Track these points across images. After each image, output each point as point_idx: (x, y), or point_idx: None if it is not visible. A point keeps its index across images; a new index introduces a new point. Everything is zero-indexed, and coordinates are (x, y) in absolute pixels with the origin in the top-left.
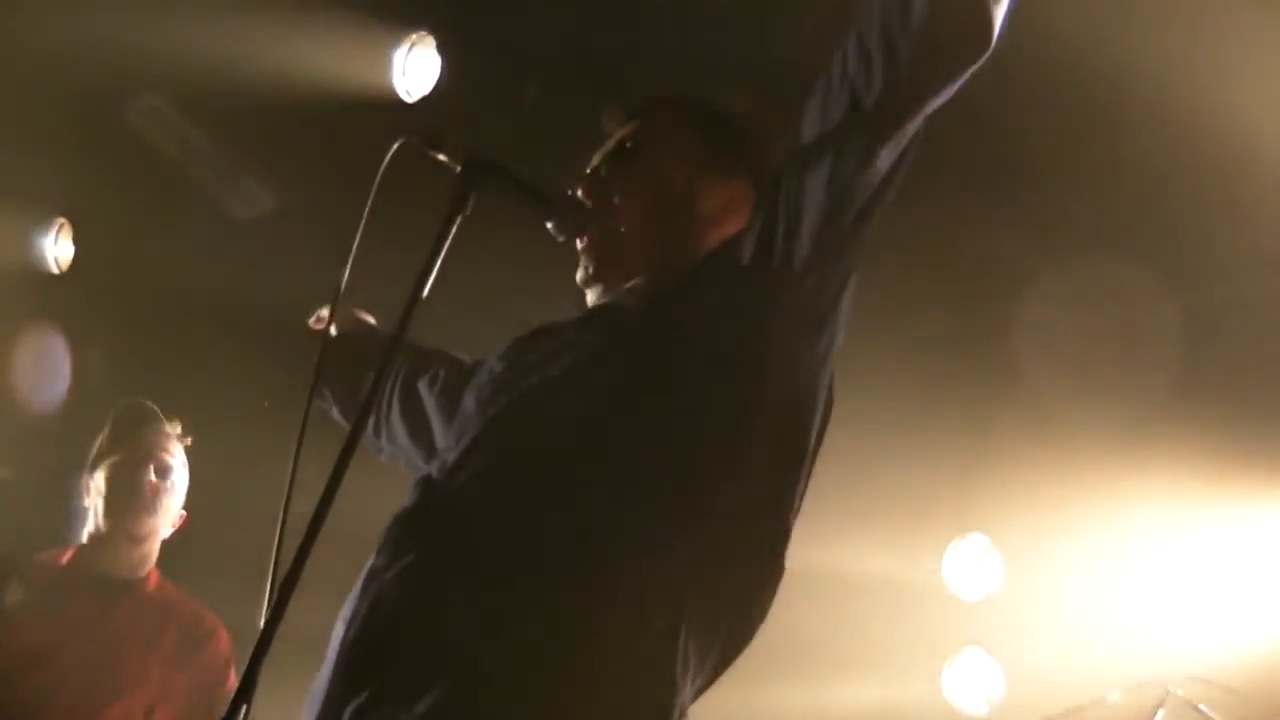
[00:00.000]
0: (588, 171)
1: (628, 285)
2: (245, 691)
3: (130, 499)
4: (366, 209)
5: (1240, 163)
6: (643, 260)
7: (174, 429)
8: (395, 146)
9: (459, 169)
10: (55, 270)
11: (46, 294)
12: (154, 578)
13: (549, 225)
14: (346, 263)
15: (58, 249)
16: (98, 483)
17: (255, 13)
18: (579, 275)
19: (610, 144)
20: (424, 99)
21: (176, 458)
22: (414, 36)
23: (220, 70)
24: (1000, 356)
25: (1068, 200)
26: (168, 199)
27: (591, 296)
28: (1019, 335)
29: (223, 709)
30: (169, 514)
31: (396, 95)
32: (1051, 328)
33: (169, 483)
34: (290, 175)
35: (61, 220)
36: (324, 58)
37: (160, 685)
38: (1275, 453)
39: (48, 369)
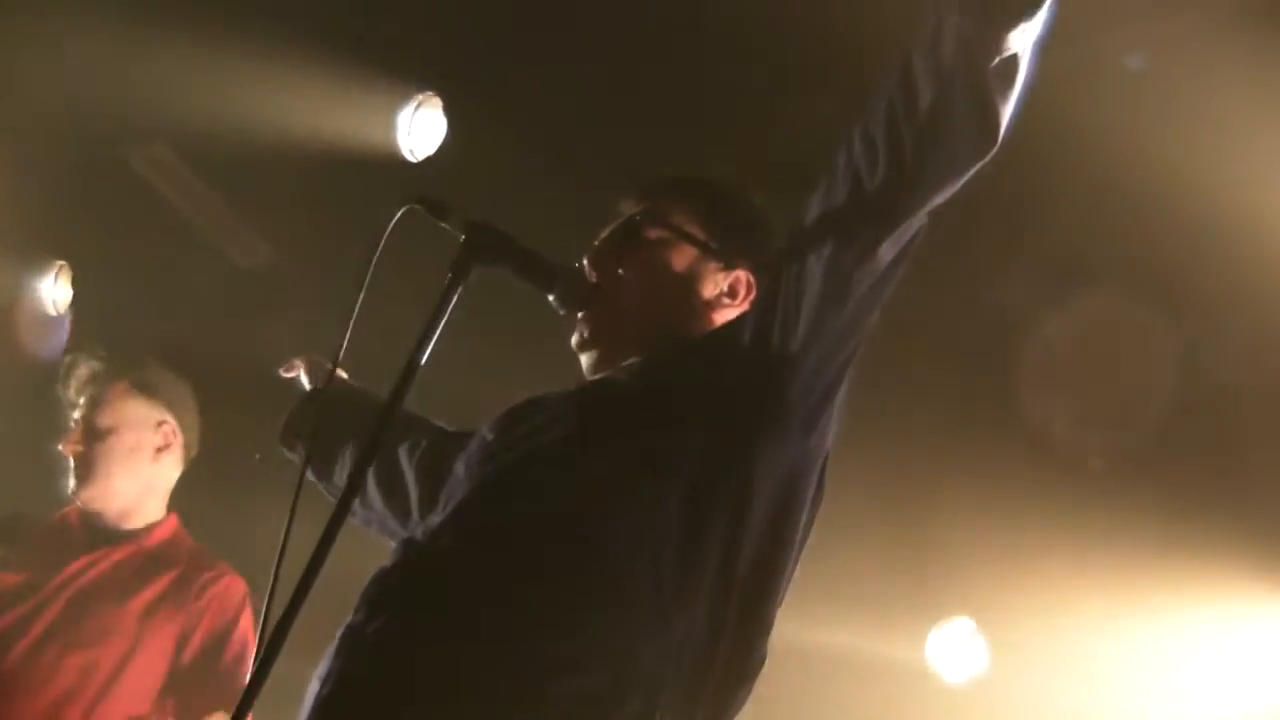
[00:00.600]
0: (594, 246)
1: (624, 364)
2: None
3: (77, 463)
4: (369, 270)
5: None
6: (641, 339)
7: (118, 383)
8: (401, 211)
9: (463, 237)
10: (53, 312)
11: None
12: (159, 530)
13: (551, 298)
14: (348, 322)
15: (56, 291)
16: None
17: (264, 66)
18: (574, 339)
19: (618, 222)
20: (428, 159)
21: (126, 413)
22: (421, 96)
23: (226, 121)
24: (988, 442)
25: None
26: (168, 245)
27: (586, 363)
28: (1008, 423)
29: (234, 655)
30: (126, 475)
31: (401, 154)
32: (1041, 413)
33: (108, 445)
34: (291, 228)
35: (61, 263)
36: (330, 113)
37: (138, 635)
38: (1267, 548)
39: (47, 325)
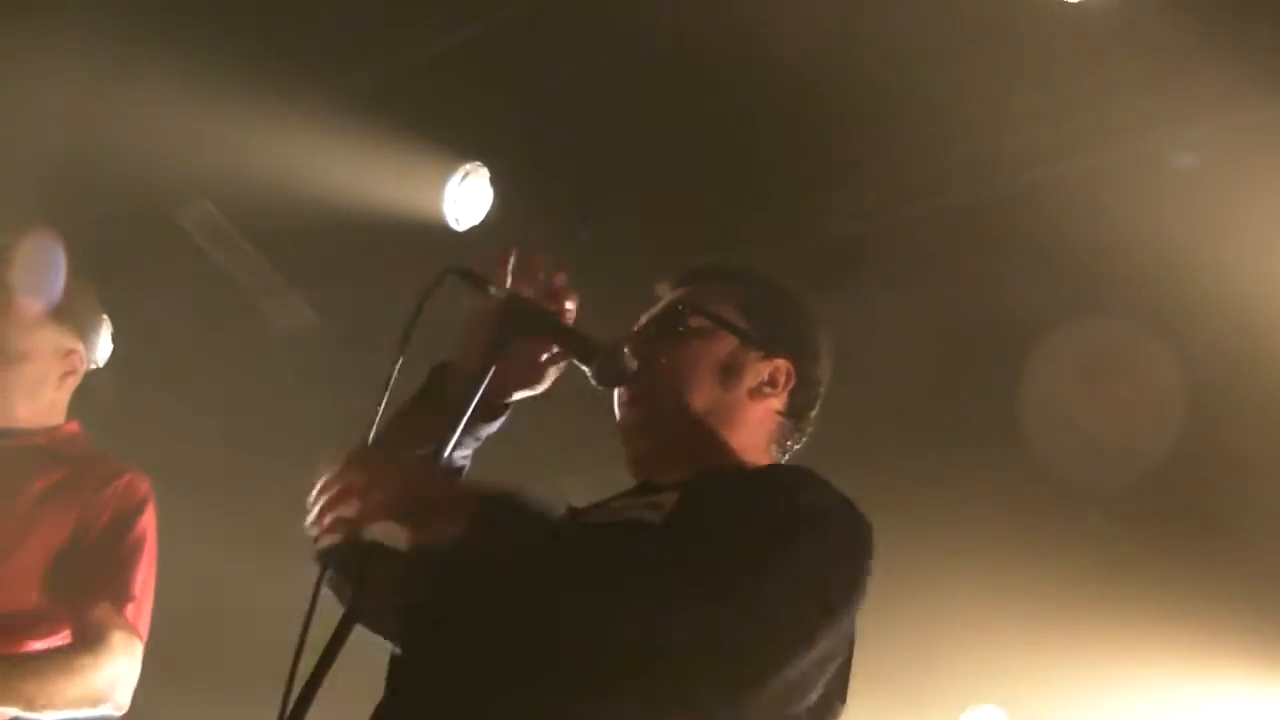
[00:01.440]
0: (635, 331)
1: (660, 493)
2: None
3: None
4: (405, 338)
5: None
6: (681, 432)
7: (31, 303)
8: (441, 275)
9: (503, 307)
10: (94, 366)
11: (83, 390)
12: (59, 431)
13: (589, 371)
14: (384, 393)
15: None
16: None
17: (315, 132)
18: (617, 420)
19: (659, 307)
20: (473, 228)
21: (38, 341)
22: (468, 166)
23: (275, 184)
24: (1015, 527)
25: None
26: (211, 304)
27: (626, 454)
28: (1038, 507)
29: (130, 546)
30: (15, 384)
31: (446, 223)
32: (1075, 496)
33: (15, 372)
34: (335, 293)
35: (103, 316)
36: (378, 181)
37: (25, 525)
38: None
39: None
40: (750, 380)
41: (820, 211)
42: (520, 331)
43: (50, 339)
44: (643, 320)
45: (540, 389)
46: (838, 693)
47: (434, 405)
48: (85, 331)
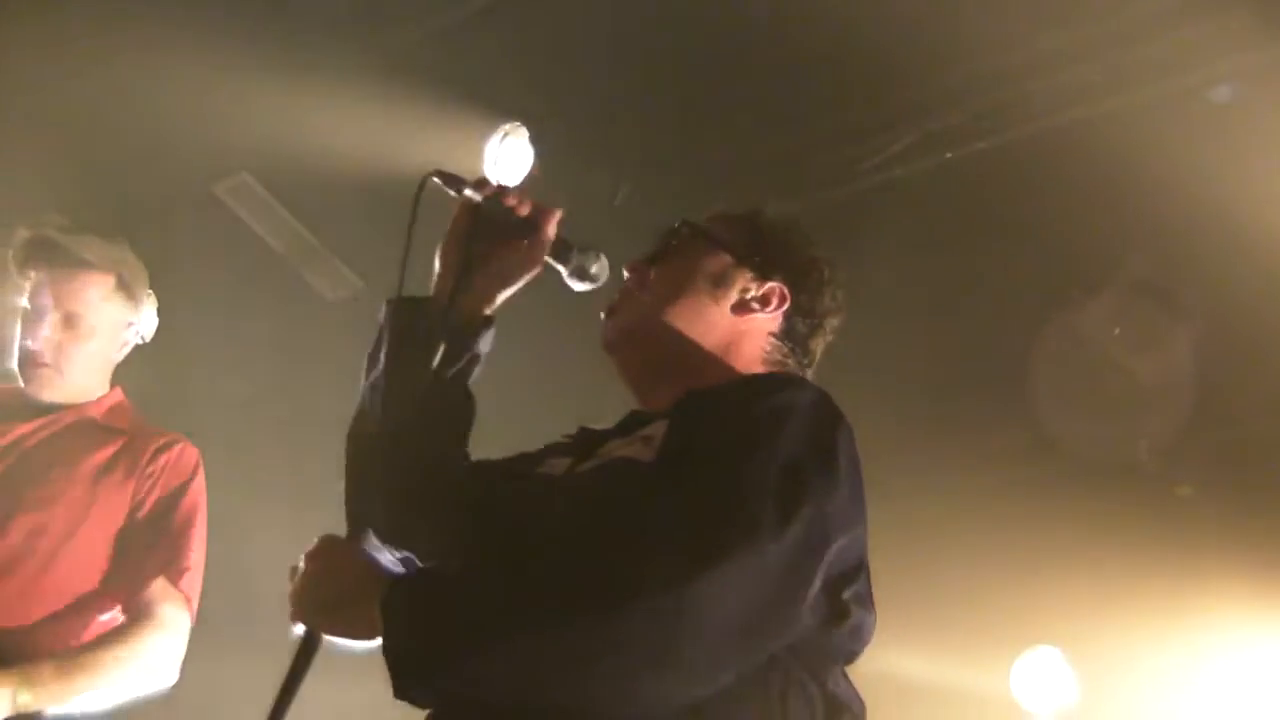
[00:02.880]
0: (634, 259)
1: (648, 429)
2: None
3: (47, 358)
4: (406, 243)
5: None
6: (665, 343)
7: (96, 273)
8: (425, 179)
9: (481, 201)
10: (140, 341)
11: (128, 363)
12: (106, 400)
13: (564, 271)
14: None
15: (143, 323)
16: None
17: (353, 98)
18: (603, 337)
19: (659, 240)
20: (515, 189)
21: (107, 314)
22: (507, 127)
23: (313, 153)
24: (1074, 468)
25: None
26: (255, 275)
27: (618, 366)
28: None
29: (183, 519)
30: (81, 358)
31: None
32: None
33: (82, 346)
34: (378, 259)
35: (148, 292)
36: (418, 144)
37: (86, 503)
38: None
39: None
40: (738, 294)
41: (853, 159)
42: (494, 233)
43: (116, 312)
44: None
45: (518, 286)
46: (850, 593)
47: (409, 342)
48: (140, 305)
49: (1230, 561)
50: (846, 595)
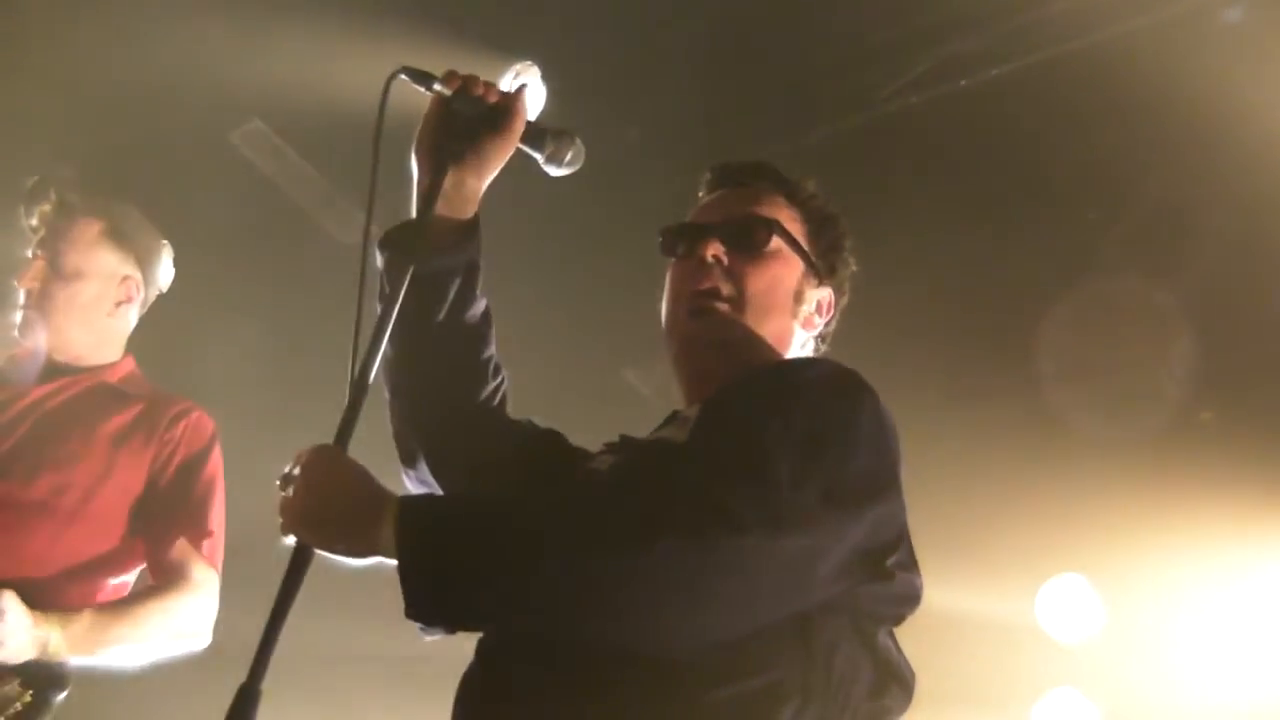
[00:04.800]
0: (712, 231)
1: (685, 414)
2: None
3: (31, 301)
4: (375, 146)
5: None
6: (751, 348)
7: (82, 218)
8: (394, 74)
9: (450, 95)
10: (155, 295)
11: (150, 311)
12: (119, 367)
13: (540, 158)
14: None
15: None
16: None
17: (361, 42)
18: (690, 334)
19: (738, 218)
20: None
21: (94, 260)
22: (519, 66)
23: (325, 96)
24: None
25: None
26: (270, 221)
27: (680, 383)
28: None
29: (205, 485)
30: (65, 302)
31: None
32: (1153, 366)
33: (70, 291)
34: (391, 200)
35: (164, 242)
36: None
37: (106, 464)
38: None
39: None
40: (806, 308)
41: (868, 88)
42: (466, 125)
43: (107, 260)
44: (717, 221)
45: (494, 173)
46: (893, 561)
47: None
48: (142, 258)
49: (1253, 485)
50: (890, 563)
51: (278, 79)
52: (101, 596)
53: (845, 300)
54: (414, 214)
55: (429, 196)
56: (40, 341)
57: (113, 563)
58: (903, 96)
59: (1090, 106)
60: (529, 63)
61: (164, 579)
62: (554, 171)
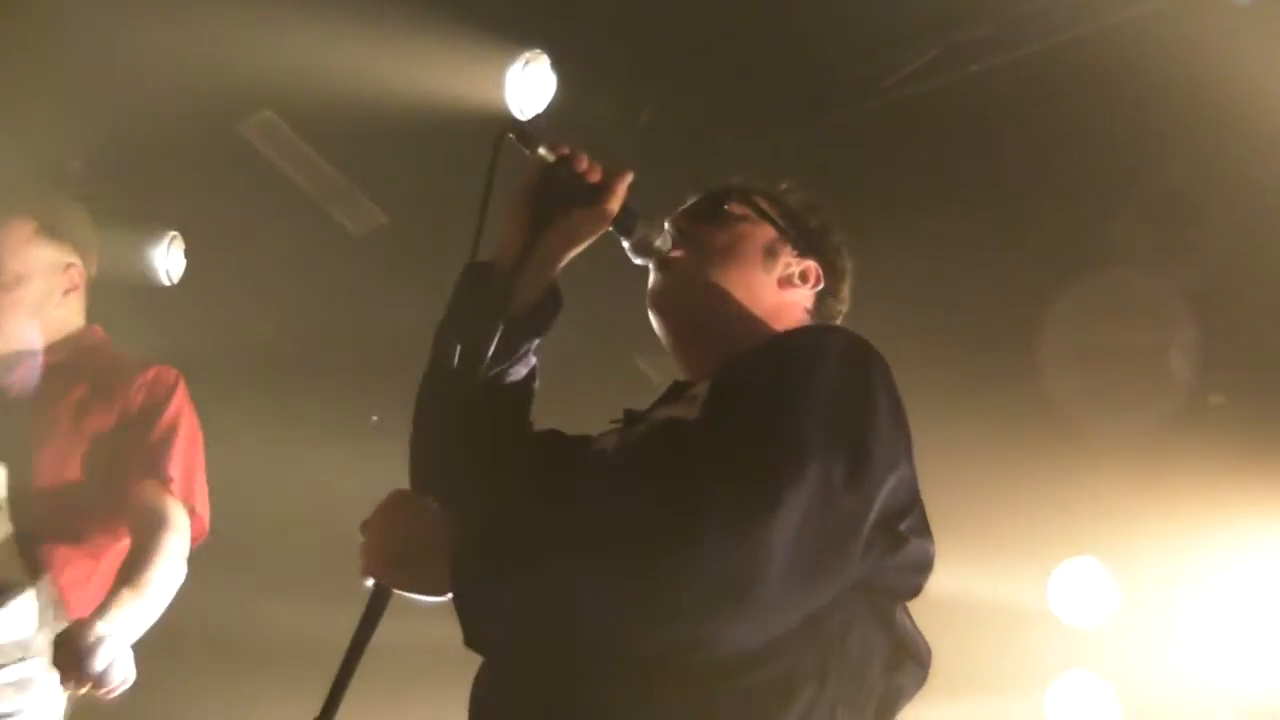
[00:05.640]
0: (680, 212)
1: (693, 392)
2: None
3: None
4: (482, 207)
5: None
6: (713, 314)
7: (23, 225)
8: (502, 134)
9: (553, 161)
10: (166, 282)
11: (157, 306)
12: (77, 343)
13: (627, 245)
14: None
15: (169, 261)
16: None
17: (370, 31)
18: (649, 295)
19: (702, 199)
20: (537, 116)
21: (35, 259)
22: (528, 54)
23: (335, 87)
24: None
25: None
26: (280, 213)
27: (660, 329)
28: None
29: (166, 427)
30: (34, 322)
31: (509, 112)
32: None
33: (15, 295)
34: (402, 191)
35: (174, 233)
36: (438, 74)
37: (72, 433)
38: None
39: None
40: (782, 269)
41: (874, 75)
42: (562, 199)
43: (45, 256)
44: (686, 205)
45: (579, 249)
46: (906, 526)
47: (474, 308)
48: (80, 246)
49: (1263, 468)
50: (903, 528)
51: (287, 69)
52: (93, 542)
53: (844, 286)
54: (481, 257)
55: (521, 257)
56: None
57: (100, 525)
58: (911, 83)
59: (1102, 91)
60: (538, 50)
61: (146, 525)
62: (638, 259)
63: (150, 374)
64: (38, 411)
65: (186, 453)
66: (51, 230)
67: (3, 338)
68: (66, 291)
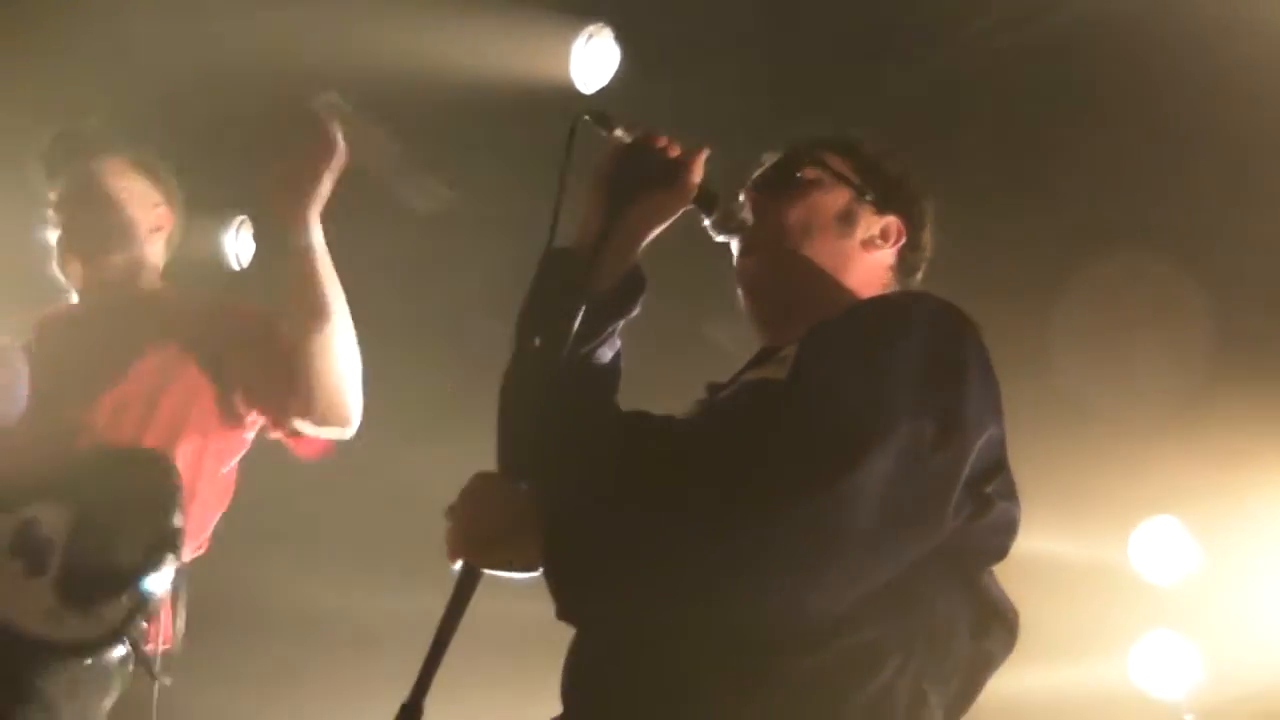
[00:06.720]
0: (752, 181)
1: (782, 354)
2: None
3: (64, 239)
4: (558, 192)
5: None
6: (798, 282)
7: (117, 159)
8: (576, 122)
9: (630, 142)
10: (236, 267)
11: (228, 290)
12: (164, 290)
13: (707, 223)
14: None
15: (239, 245)
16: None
17: (434, 8)
18: (736, 269)
19: (775, 161)
20: (601, 90)
21: (129, 187)
22: (591, 28)
23: (399, 66)
24: (1190, 331)
25: None
26: (346, 195)
27: (746, 303)
28: (1214, 312)
29: (261, 353)
30: (122, 248)
31: (574, 87)
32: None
33: (107, 216)
34: (470, 169)
35: (243, 217)
36: (502, 50)
37: (161, 371)
38: None
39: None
40: (863, 231)
41: (950, 31)
42: (641, 179)
43: (139, 188)
44: (758, 173)
45: (661, 228)
46: (992, 488)
47: (556, 292)
48: (169, 196)
49: None
50: (989, 489)
51: (351, 50)
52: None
53: (924, 233)
54: (557, 238)
55: (602, 239)
56: (76, 275)
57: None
58: (986, 39)
59: (1174, 50)
60: (601, 24)
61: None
62: (719, 236)
63: (241, 308)
64: (112, 346)
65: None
66: (145, 168)
67: (87, 258)
68: (153, 230)
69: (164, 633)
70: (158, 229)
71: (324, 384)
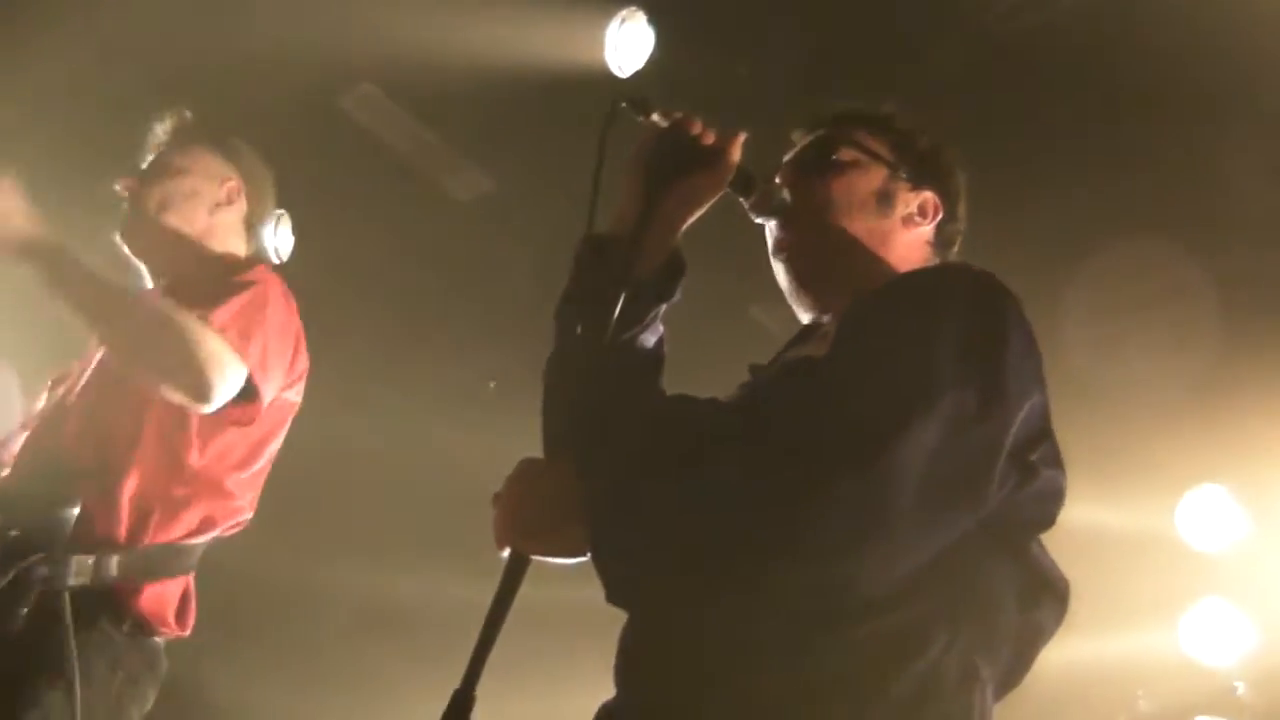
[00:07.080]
0: (787, 163)
1: (824, 322)
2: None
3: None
4: (595, 178)
5: None
6: (837, 261)
7: (209, 141)
8: (615, 105)
9: (667, 127)
10: (276, 260)
11: None
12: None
13: (746, 204)
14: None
15: (278, 239)
16: None
17: None
18: (772, 251)
19: (808, 140)
20: (636, 74)
21: (198, 160)
22: (625, 11)
23: (434, 54)
24: (1240, 297)
25: None
26: (386, 185)
27: (785, 285)
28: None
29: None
30: (178, 220)
31: (609, 70)
32: None
33: (168, 185)
34: (507, 155)
35: (281, 211)
36: (536, 35)
37: None
38: None
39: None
40: (902, 209)
41: (982, 8)
42: (679, 164)
43: (206, 160)
44: (790, 155)
45: (699, 212)
46: (1037, 456)
47: (596, 278)
48: (245, 170)
49: None
50: (1034, 458)
51: (384, 39)
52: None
53: (959, 205)
54: (597, 226)
55: (640, 225)
56: (136, 248)
57: None
58: (1018, 16)
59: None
60: (634, 6)
61: None
62: (758, 218)
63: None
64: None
65: (252, 317)
66: (217, 143)
67: (141, 232)
68: (218, 204)
69: (187, 620)
70: (225, 203)
71: (165, 371)
